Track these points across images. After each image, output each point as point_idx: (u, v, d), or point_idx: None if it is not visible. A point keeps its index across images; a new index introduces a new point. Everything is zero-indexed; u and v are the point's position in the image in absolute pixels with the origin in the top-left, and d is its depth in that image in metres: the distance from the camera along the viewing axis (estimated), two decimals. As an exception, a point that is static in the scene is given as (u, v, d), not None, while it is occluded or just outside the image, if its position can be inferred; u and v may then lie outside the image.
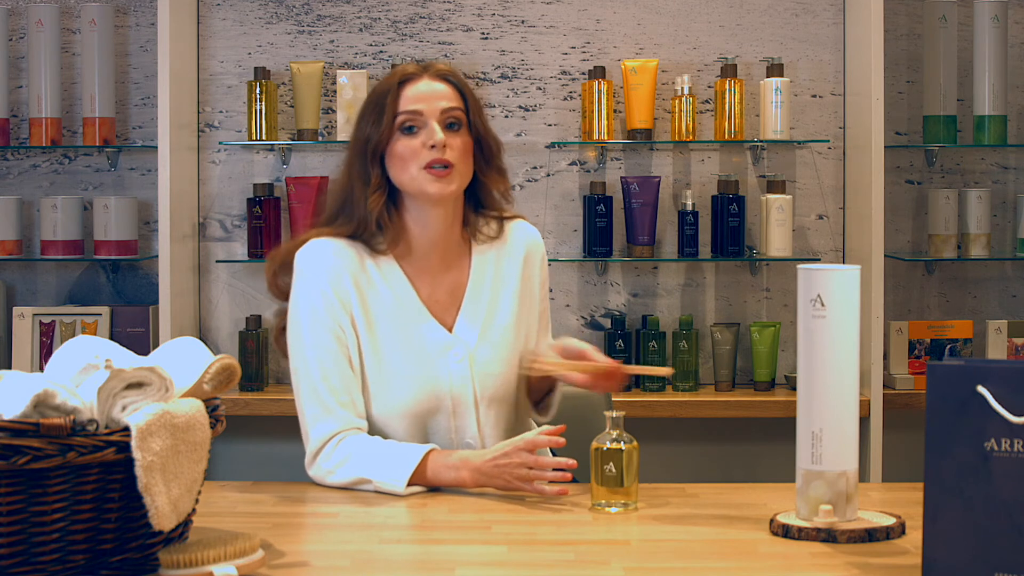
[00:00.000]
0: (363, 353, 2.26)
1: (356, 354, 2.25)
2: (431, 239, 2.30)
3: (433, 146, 2.23)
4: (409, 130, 2.25)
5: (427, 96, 2.26)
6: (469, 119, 2.29)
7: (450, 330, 2.30)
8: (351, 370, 2.24)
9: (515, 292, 2.35)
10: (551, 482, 2.10)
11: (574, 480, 2.45)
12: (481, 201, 2.36)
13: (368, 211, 2.26)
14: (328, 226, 2.31)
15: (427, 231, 2.30)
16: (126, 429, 1.58)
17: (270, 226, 3.72)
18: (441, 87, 2.27)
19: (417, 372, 2.25)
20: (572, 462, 2.09)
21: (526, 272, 2.37)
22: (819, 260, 3.80)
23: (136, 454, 1.57)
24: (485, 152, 2.32)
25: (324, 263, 2.26)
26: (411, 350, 2.26)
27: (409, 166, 2.24)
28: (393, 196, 2.29)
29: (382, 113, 2.25)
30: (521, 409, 2.37)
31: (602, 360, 2.22)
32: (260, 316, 3.74)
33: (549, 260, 3.76)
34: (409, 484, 2.13)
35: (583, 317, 3.81)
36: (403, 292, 2.28)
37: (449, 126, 2.26)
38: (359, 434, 2.22)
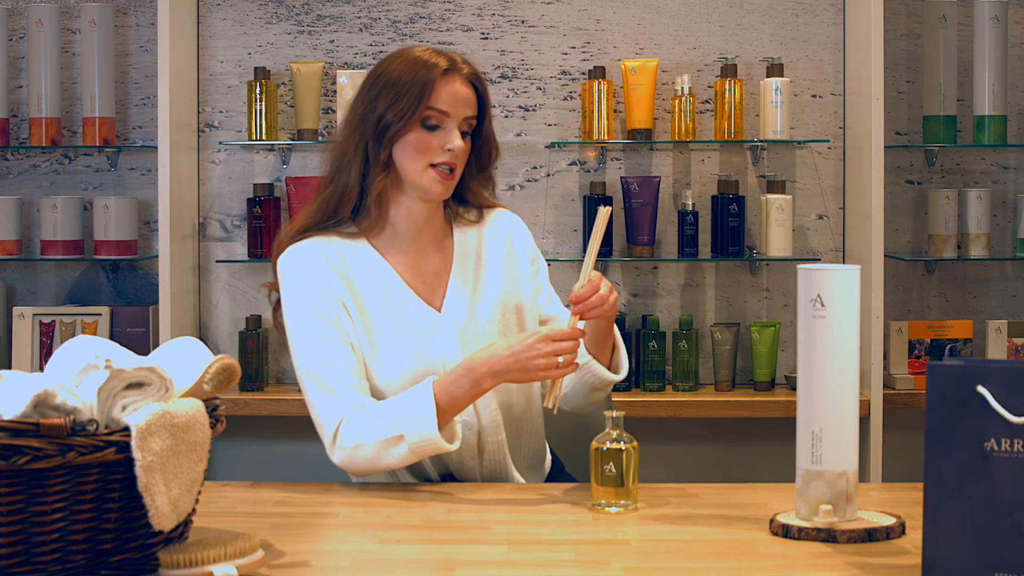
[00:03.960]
0: (359, 339, 2.27)
1: (356, 340, 2.26)
2: (415, 224, 2.32)
3: (450, 150, 2.25)
4: (431, 126, 2.26)
5: (458, 99, 2.27)
6: (478, 127, 2.32)
7: (439, 310, 2.31)
8: (354, 354, 2.25)
9: (501, 271, 2.36)
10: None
11: (574, 480, 2.46)
12: (463, 197, 2.39)
13: (367, 191, 2.28)
14: (316, 212, 2.32)
15: (411, 216, 2.32)
16: (126, 429, 1.58)
17: (270, 226, 3.72)
18: (468, 93, 2.29)
19: (410, 353, 2.26)
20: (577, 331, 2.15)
21: (510, 255, 2.38)
22: (819, 260, 3.80)
23: (136, 454, 1.57)
24: (482, 158, 2.34)
25: (308, 262, 2.27)
26: (402, 332, 2.27)
27: (418, 160, 2.26)
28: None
29: (414, 103, 2.24)
30: (521, 386, 2.35)
31: (576, 313, 2.18)
32: (260, 316, 3.74)
33: (549, 260, 3.79)
34: (440, 423, 2.15)
35: (583, 317, 3.81)
36: (386, 276, 2.30)
37: (461, 133, 2.28)
38: (362, 407, 2.22)
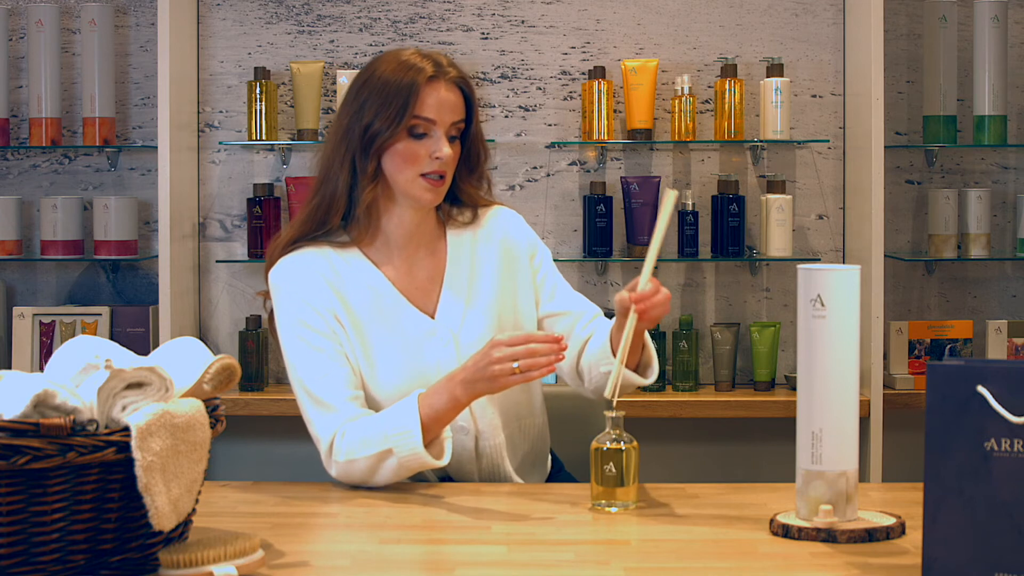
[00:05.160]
0: (354, 350, 2.26)
1: (351, 351, 2.25)
2: (407, 231, 2.31)
3: (438, 158, 2.24)
4: (418, 135, 2.25)
5: (444, 106, 2.25)
6: (466, 130, 2.30)
7: (432, 315, 2.30)
8: (349, 366, 2.24)
9: (495, 274, 2.34)
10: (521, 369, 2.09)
11: (574, 480, 2.45)
12: (457, 198, 2.37)
13: (355, 201, 2.27)
14: (304, 223, 2.31)
15: (403, 224, 2.31)
16: (126, 429, 1.58)
17: (270, 226, 3.72)
18: (455, 98, 2.27)
19: (404, 361, 2.26)
20: (558, 336, 2.08)
21: (506, 255, 2.36)
22: (819, 260, 3.80)
23: (136, 454, 1.57)
24: (472, 159, 2.33)
25: (298, 275, 2.26)
26: (396, 341, 2.27)
27: (407, 169, 2.24)
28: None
29: (400, 112, 2.23)
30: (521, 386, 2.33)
31: (638, 311, 2.11)
32: (260, 316, 3.74)
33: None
34: (425, 438, 2.12)
35: (583, 317, 3.81)
36: (379, 284, 2.29)
37: (450, 138, 2.27)
38: (355, 419, 2.21)
